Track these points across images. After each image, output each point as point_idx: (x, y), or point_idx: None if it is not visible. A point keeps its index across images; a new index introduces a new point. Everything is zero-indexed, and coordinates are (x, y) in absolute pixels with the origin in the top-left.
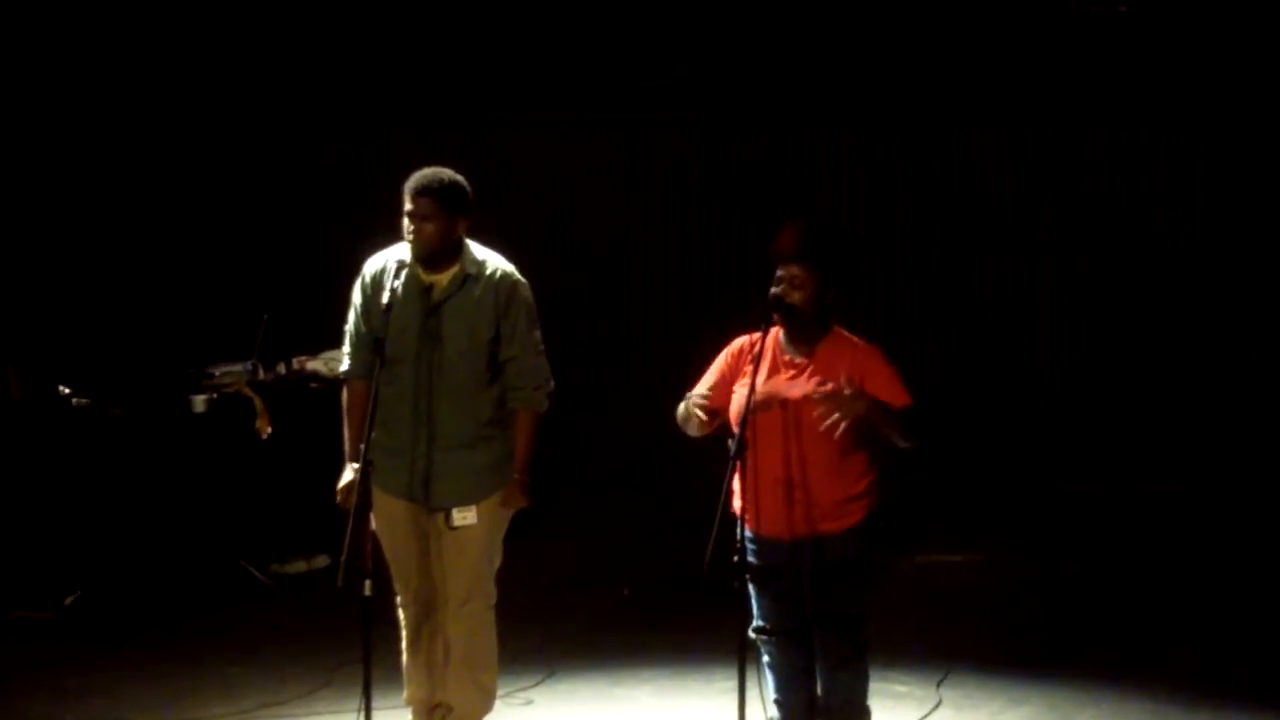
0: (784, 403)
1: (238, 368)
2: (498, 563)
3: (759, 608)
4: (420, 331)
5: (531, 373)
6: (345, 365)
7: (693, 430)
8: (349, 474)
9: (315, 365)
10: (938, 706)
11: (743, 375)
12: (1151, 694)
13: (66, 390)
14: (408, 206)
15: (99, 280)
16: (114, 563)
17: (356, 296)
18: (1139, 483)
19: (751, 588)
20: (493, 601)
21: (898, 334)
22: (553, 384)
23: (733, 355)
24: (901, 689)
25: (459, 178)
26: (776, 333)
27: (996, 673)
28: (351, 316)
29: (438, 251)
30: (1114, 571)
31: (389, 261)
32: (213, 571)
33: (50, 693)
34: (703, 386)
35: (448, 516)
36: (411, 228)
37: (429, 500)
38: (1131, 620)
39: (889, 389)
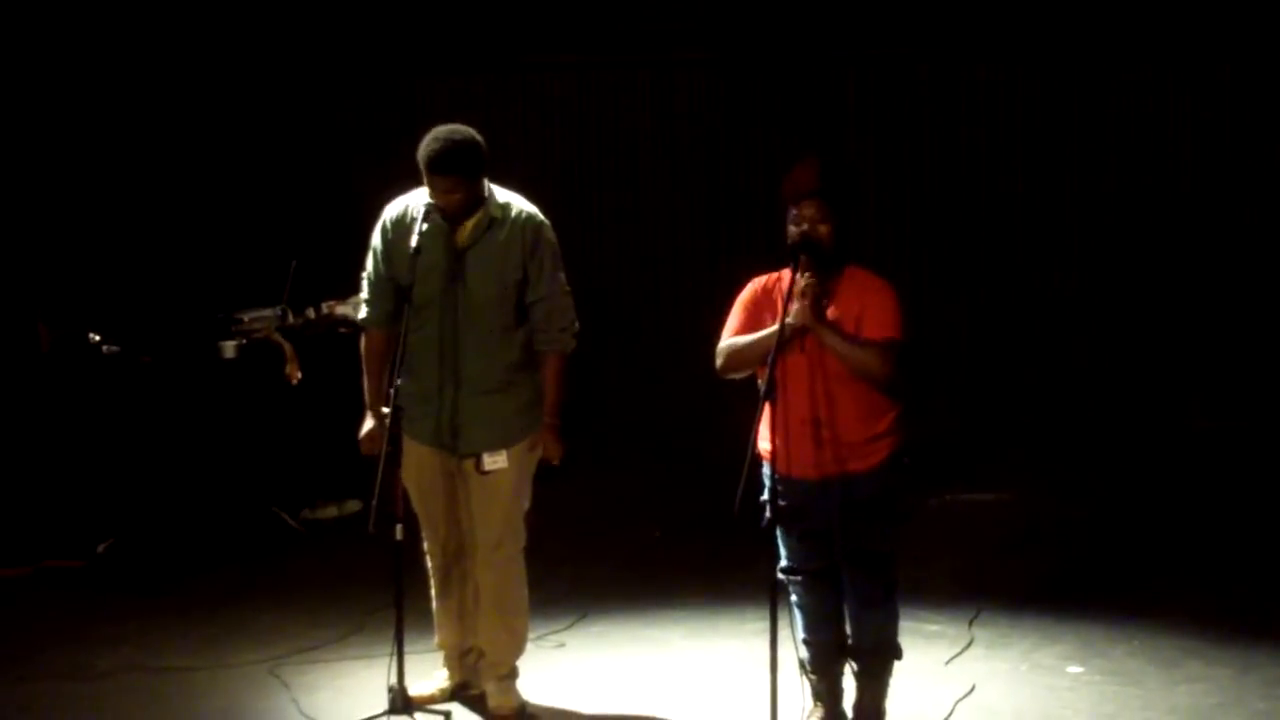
0: (805, 344)
1: (267, 313)
2: (527, 505)
3: (786, 548)
4: (446, 276)
5: (559, 314)
6: (363, 313)
7: (740, 375)
8: (370, 422)
9: (344, 310)
10: (970, 645)
11: (768, 315)
12: (1184, 630)
13: (96, 338)
14: (430, 179)
15: (128, 227)
16: (145, 510)
17: (377, 242)
18: (1173, 419)
19: (779, 528)
20: (523, 545)
21: (922, 269)
22: (578, 325)
23: (751, 301)
24: (934, 628)
25: (472, 137)
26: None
27: (1029, 611)
28: (370, 263)
29: (469, 207)
30: (1146, 508)
31: (411, 206)
32: (244, 518)
33: (82, 641)
34: (729, 334)
35: (478, 462)
36: (438, 199)
37: (457, 446)
38: (1164, 557)
39: (878, 318)
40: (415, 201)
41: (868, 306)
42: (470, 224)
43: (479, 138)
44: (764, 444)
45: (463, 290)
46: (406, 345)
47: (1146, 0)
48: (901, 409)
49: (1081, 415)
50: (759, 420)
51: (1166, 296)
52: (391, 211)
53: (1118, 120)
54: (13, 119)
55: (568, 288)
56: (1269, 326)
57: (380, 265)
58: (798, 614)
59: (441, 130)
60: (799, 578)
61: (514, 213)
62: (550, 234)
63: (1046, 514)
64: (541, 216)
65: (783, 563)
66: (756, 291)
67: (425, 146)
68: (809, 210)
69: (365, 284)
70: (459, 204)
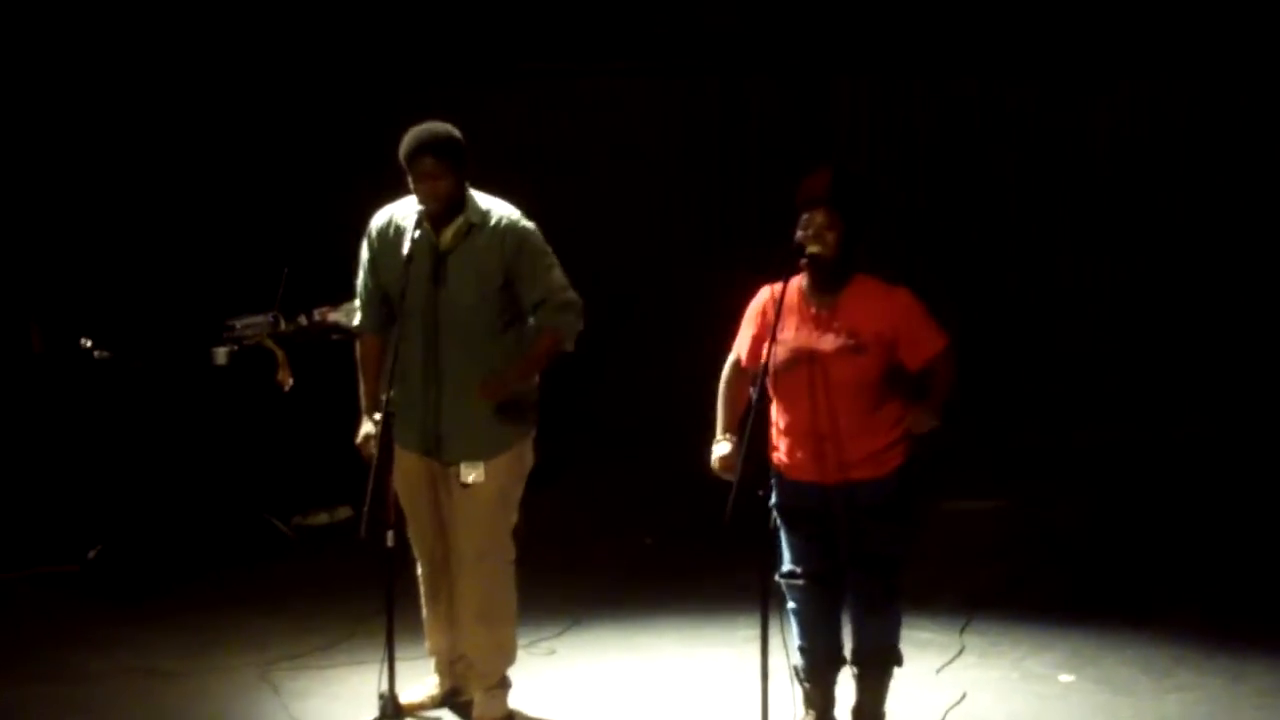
0: (812, 357)
1: (259, 319)
2: (513, 520)
3: (789, 549)
4: (428, 284)
5: (569, 307)
6: (357, 319)
7: None
8: (368, 426)
9: (336, 316)
10: (961, 653)
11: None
12: (1176, 639)
13: (88, 343)
14: (415, 168)
15: (121, 233)
16: (137, 515)
17: (364, 253)
18: (1165, 427)
19: (782, 530)
20: (510, 558)
21: (918, 280)
22: (581, 326)
23: (760, 312)
24: (925, 635)
25: (450, 128)
26: (800, 282)
27: (1020, 619)
28: (360, 273)
29: (452, 205)
30: (1139, 517)
31: (396, 216)
32: (235, 524)
33: (75, 645)
34: (740, 348)
35: (458, 473)
36: (423, 189)
37: (442, 455)
38: (1156, 566)
39: (923, 335)
40: (400, 211)
41: (899, 327)
42: (451, 229)
43: (458, 133)
44: (776, 448)
45: (443, 296)
46: (397, 353)
47: (1138, 11)
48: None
49: (1074, 424)
50: (750, 432)
51: (1161, 305)
52: (377, 222)
53: (1110, 132)
54: (8, 123)
55: (566, 282)
56: (1267, 333)
57: (368, 275)
58: (793, 621)
59: (418, 126)
60: (799, 582)
61: (494, 219)
62: (535, 239)
63: (1038, 522)
64: (525, 222)
65: (785, 567)
66: (765, 303)
67: (404, 141)
68: (818, 218)
69: (358, 293)
70: (446, 192)
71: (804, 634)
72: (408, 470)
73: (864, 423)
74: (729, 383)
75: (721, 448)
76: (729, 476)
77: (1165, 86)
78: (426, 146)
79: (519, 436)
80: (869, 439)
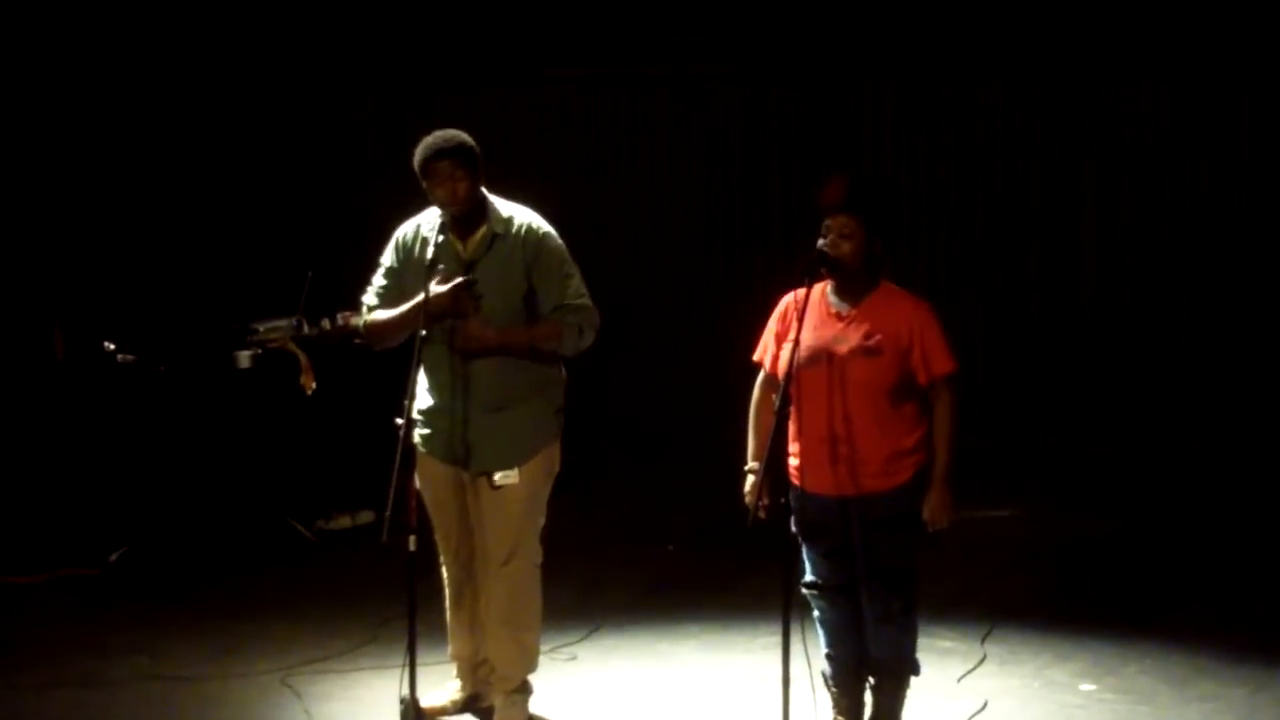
0: (831, 357)
1: (282, 324)
2: (541, 522)
3: (810, 563)
4: None
5: (581, 310)
6: (365, 313)
7: None
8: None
9: (359, 321)
10: (982, 662)
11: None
12: (1197, 648)
13: (111, 347)
14: (432, 173)
15: (144, 237)
16: (159, 519)
17: (390, 260)
18: (1186, 436)
19: (802, 543)
20: (538, 561)
21: (939, 287)
22: (593, 337)
23: (782, 319)
24: (946, 644)
25: (466, 136)
26: (824, 286)
27: (1041, 628)
28: (381, 278)
29: (472, 208)
30: (1159, 526)
31: (423, 225)
32: (258, 528)
33: (96, 649)
34: (764, 355)
35: (490, 477)
36: (442, 192)
37: (470, 464)
38: (1177, 575)
39: (937, 352)
40: (427, 221)
41: (916, 337)
42: (476, 238)
43: (470, 139)
44: (792, 460)
45: (471, 306)
46: (421, 362)
47: (1162, 19)
48: (928, 426)
49: (1096, 432)
50: (776, 437)
51: (1182, 315)
52: (404, 231)
53: (1133, 139)
54: (31, 129)
55: (584, 292)
56: None
57: (392, 282)
58: (820, 628)
59: (428, 136)
60: (822, 592)
61: (515, 226)
62: (554, 242)
63: (1059, 530)
64: (544, 226)
65: (807, 577)
66: (788, 308)
67: (417, 150)
68: (837, 224)
69: (373, 296)
70: (463, 195)
71: (830, 641)
72: (434, 475)
73: (880, 424)
74: (758, 403)
75: (749, 482)
76: (761, 514)
77: (1192, 92)
78: (441, 150)
79: (546, 441)
80: (885, 442)
